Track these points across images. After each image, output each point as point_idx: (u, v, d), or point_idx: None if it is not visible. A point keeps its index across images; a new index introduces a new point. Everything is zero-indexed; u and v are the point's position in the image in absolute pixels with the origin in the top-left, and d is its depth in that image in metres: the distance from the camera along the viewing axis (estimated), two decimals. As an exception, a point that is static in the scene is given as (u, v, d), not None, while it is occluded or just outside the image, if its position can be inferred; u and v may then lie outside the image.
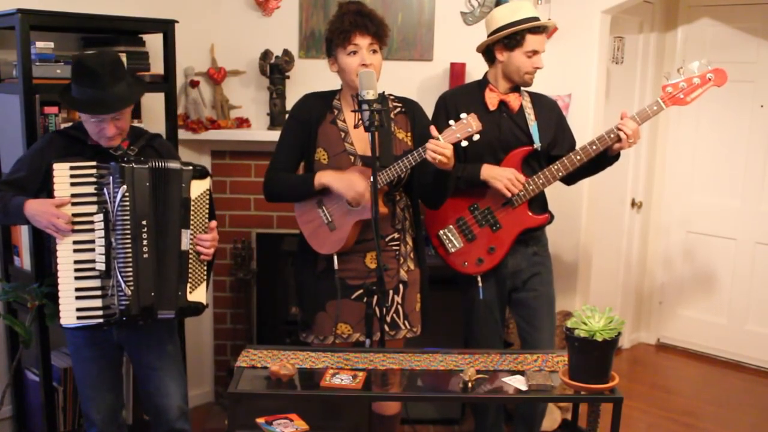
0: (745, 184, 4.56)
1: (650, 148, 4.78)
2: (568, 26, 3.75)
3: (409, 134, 2.75)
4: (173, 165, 2.52)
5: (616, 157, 2.95)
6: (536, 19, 2.87)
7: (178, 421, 2.70)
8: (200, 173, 2.56)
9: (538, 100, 3.04)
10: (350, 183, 2.60)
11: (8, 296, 2.91)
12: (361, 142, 2.68)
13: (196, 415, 3.59)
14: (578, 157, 2.88)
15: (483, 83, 3.02)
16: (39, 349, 2.96)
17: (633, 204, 4.78)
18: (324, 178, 2.65)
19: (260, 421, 2.52)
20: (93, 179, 2.44)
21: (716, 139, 4.63)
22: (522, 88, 3.00)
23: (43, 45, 2.88)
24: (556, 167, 2.91)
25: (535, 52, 2.87)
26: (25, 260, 3.04)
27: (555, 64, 3.30)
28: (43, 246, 2.93)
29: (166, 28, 3.21)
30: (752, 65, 4.41)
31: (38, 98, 2.86)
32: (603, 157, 2.93)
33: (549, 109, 3.05)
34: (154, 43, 3.31)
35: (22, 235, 3.00)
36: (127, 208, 2.44)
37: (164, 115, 3.30)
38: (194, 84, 3.66)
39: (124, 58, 3.12)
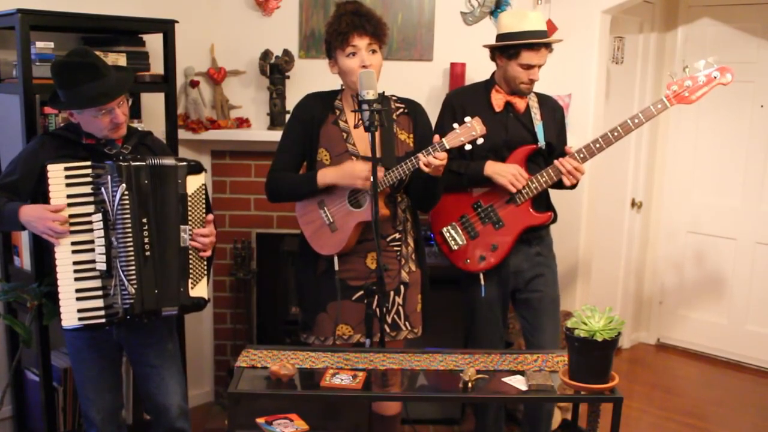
0: (745, 184, 4.56)
1: (650, 148, 4.78)
2: (568, 26, 3.75)
3: (411, 136, 2.74)
4: (168, 161, 2.52)
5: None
6: (538, 34, 2.84)
7: (179, 420, 2.70)
8: (195, 168, 2.55)
9: (544, 100, 3.05)
10: (351, 172, 2.59)
11: (8, 296, 2.91)
12: (362, 142, 2.67)
13: (196, 415, 3.58)
14: (581, 155, 2.90)
15: (489, 83, 3.01)
16: (39, 349, 2.96)
17: (633, 204, 4.78)
18: (327, 177, 2.65)
19: (260, 421, 2.52)
20: (89, 179, 2.42)
21: (716, 139, 4.63)
22: None
23: (43, 45, 2.88)
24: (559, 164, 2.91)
25: (530, 66, 2.86)
26: (25, 260, 3.04)
27: (555, 64, 3.29)
28: (43, 246, 2.94)
29: (166, 28, 3.21)
30: (752, 65, 4.41)
31: (38, 98, 2.86)
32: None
33: (554, 111, 3.07)
34: (154, 43, 3.31)
35: (22, 235, 3.00)
36: (127, 206, 2.43)
37: (164, 115, 3.31)
38: (194, 84, 3.66)
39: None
